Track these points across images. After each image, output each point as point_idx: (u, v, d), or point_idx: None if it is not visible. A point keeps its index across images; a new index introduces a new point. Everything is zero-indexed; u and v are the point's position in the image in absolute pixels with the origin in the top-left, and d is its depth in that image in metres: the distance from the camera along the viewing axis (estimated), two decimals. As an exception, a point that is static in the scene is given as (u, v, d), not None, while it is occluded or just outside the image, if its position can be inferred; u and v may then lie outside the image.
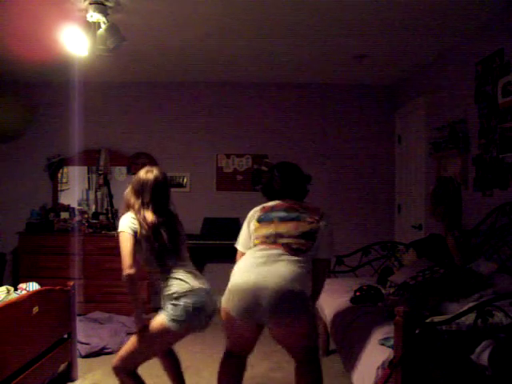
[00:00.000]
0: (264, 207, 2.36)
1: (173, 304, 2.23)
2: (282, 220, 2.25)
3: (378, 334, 2.17)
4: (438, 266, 2.78)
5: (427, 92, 4.32)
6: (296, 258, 2.15)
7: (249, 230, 2.33)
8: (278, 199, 2.36)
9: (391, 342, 1.91)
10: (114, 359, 2.33)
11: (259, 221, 2.30)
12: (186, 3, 3.01)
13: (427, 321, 1.87)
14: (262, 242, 2.22)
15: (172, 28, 3.45)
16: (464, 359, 1.73)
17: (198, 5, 3.04)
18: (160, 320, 2.25)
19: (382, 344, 2.05)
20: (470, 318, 1.84)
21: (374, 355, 2.01)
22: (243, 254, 2.32)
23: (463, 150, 3.49)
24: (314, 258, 2.25)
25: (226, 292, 2.20)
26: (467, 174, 3.49)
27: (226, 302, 2.17)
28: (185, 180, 5.16)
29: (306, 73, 4.75)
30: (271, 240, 2.21)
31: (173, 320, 2.21)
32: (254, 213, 2.37)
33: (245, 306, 2.09)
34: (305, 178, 2.43)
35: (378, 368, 1.90)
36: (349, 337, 2.43)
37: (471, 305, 1.93)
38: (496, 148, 3.10)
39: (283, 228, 2.22)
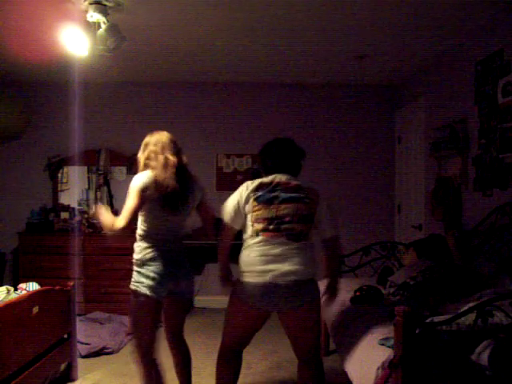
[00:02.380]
0: (261, 184, 2.27)
1: (137, 271, 2.31)
2: (282, 202, 2.21)
3: (377, 334, 2.17)
4: (437, 266, 2.78)
5: (427, 92, 4.32)
6: (301, 243, 2.21)
7: (239, 205, 2.26)
8: (274, 173, 2.31)
9: (391, 342, 1.91)
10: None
11: (258, 200, 2.23)
12: (186, 3, 3.01)
13: (427, 321, 1.87)
14: (265, 229, 2.20)
15: (172, 28, 3.45)
16: (464, 359, 1.73)
17: (198, 5, 3.04)
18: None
19: (382, 344, 2.05)
20: (469, 318, 1.83)
21: (374, 355, 2.01)
22: (231, 228, 2.32)
23: (463, 150, 3.49)
24: (322, 238, 2.31)
25: (240, 288, 2.24)
26: (467, 174, 3.48)
27: (243, 294, 2.22)
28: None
29: (306, 73, 4.75)
30: (273, 227, 2.19)
31: (136, 287, 2.30)
32: (251, 189, 2.26)
33: (264, 295, 2.16)
34: (299, 153, 2.41)
35: (378, 368, 1.90)
36: (349, 337, 2.43)
37: (471, 305, 1.93)
38: (496, 148, 3.10)
39: (283, 211, 2.20)
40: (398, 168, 5.14)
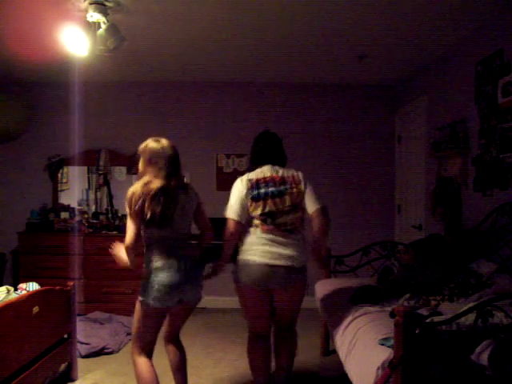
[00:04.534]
0: (252, 181, 2.54)
1: (144, 282, 2.30)
2: (273, 196, 2.49)
3: (377, 334, 2.16)
4: (437, 265, 2.78)
5: (427, 92, 4.32)
6: (296, 236, 2.52)
7: (242, 201, 2.53)
8: (264, 164, 2.61)
9: (391, 342, 1.90)
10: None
11: (253, 199, 2.51)
12: (186, 3, 3.01)
13: (427, 321, 1.87)
14: (262, 223, 2.50)
15: (172, 28, 3.45)
16: (464, 359, 1.73)
17: (198, 5, 3.04)
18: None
19: (382, 344, 2.05)
20: (469, 318, 1.83)
21: (374, 355, 2.01)
22: (238, 222, 2.52)
23: (463, 150, 3.49)
24: (308, 212, 2.52)
25: (242, 268, 2.50)
26: (467, 174, 3.48)
27: (245, 276, 2.49)
28: (185, 180, 5.16)
29: (307, 73, 4.75)
30: (270, 221, 2.49)
31: (143, 298, 2.30)
32: (245, 186, 2.54)
33: (262, 278, 2.47)
34: (280, 143, 2.75)
35: (378, 368, 1.90)
36: (349, 337, 2.43)
37: (471, 305, 1.93)
38: (496, 148, 3.10)
39: (275, 206, 2.49)
40: (397, 168, 5.13)
